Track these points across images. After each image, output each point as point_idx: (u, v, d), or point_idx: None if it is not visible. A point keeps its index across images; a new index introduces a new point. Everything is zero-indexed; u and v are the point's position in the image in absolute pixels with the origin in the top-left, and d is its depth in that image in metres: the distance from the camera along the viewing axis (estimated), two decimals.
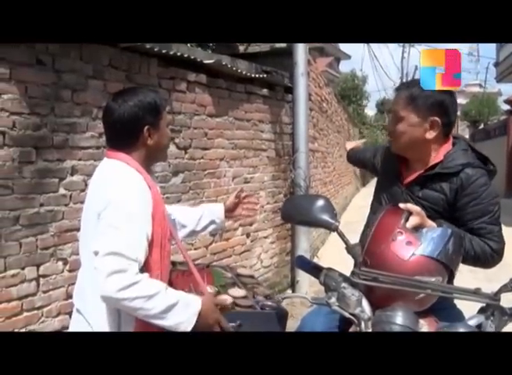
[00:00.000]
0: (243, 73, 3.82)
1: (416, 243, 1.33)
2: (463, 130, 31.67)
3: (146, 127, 1.45)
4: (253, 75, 3.99)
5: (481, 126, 21.76)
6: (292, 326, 1.90)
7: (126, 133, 1.47)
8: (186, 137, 3.33)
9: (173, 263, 1.74)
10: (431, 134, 1.65)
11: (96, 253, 1.33)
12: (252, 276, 1.82)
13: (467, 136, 24.57)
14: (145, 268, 1.39)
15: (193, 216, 1.83)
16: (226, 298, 1.53)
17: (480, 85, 32.67)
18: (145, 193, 1.43)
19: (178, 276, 1.64)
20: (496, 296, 1.24)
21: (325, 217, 1.34)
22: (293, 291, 4.70)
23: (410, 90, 1.67)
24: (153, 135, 1.47)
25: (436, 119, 1.64)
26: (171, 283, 1.55)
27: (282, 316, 1.50)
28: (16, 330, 2.25)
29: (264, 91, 4.29)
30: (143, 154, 1.48)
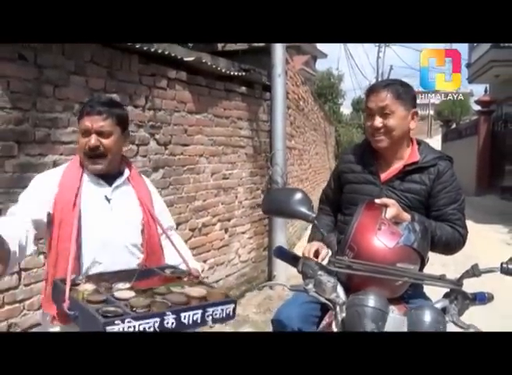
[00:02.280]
0: (223, 70, 3.89)
1: (398, 234, 1.46)
2: (436, 129, 32.33)
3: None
4: (232, 73, 4.06)
5: (454, 125, 22.25)
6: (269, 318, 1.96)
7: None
8: (167, 134, 3.38)
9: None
10: (413, 125, 1.83)
11: None
12: (213, 287, 1.61)
13: (439, 135, 25.11)
14: (49, 241, 1.64)
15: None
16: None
17: None
18: (49, 180, 1.67)
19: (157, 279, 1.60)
20: (458, 282, 1.35)
21: (303, 209, 1.43)
22: (271, 286, 4.78)
23: (394, 86, 1.80)
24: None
25: (416, 110, 1.83)
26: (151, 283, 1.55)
27: (98, 323, 1.24)
28: None
29: (243, 89, 4.37)
30: None
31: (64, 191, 1.62)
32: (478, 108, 15.94)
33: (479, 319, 1.43)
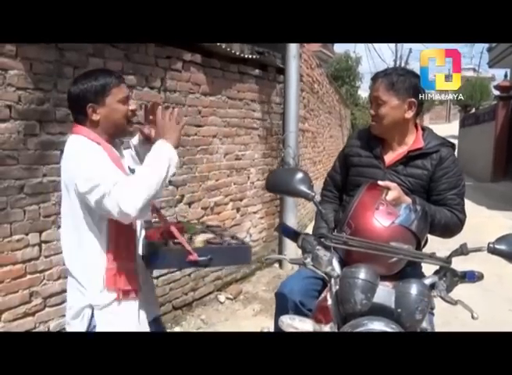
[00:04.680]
0: (237, 53, 3.94)
1: (395, 214, 1.54)
2: (454, 114, 31.83)
3: (88, 105, 1.61)
4: (246, 56, 4.10)
5: (472, 110, 21.91)
6: (267, 297, 2.09)
7: (75, 110, 1.65)
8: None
9: (149, 222, 1.93)
10: (409, 114, 1.87)
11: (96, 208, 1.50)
12: (219, 226, 2.02)
13: (458, 120, 24.80)
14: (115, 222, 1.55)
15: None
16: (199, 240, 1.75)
17: (474, 69, 32.76)
18: (103, 156, 1.57)
19: (154, 232, 1.79)
20: (447, 259, 1.44)
21: (303, 188, 1.53)
22: (280, 265, 4.91)
23: (388, 77, 1.86)
24: (97, 111, 1.62)
25: (413, 100, 1.86)
26: (146, 238, 1.74)
27: (246, 249, 1.74)
28: (20, 291, 2.42)
29: (257, 72, 4.42)
30: (98, 128, 1.64)
31: (116, 164, 1.60)
32: (497, 93, 15.67)
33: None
